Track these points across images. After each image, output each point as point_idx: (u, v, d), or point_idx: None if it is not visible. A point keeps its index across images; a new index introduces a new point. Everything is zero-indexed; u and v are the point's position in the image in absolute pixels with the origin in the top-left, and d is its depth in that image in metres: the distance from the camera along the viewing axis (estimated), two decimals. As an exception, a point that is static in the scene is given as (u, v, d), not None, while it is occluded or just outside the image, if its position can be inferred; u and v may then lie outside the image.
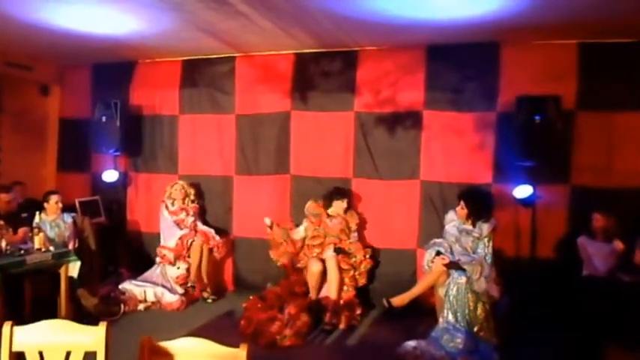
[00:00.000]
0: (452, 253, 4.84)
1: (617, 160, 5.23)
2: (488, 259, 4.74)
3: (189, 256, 6.02)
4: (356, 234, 5.67)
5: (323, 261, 5.43)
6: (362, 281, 5.57)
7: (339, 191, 5.74)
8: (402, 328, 4.99)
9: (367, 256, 5.58)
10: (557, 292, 4.96)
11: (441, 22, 4.85)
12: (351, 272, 5.47)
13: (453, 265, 4.69)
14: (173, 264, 6.00)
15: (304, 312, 5.09)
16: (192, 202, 6.32)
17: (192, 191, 6.34)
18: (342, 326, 5.15)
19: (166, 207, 6.24)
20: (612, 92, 5.18)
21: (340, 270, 5.38)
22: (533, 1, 4.24)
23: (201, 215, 6.44)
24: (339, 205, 5.68)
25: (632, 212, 4.89)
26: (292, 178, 6.23)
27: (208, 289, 5.99)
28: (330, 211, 5.71)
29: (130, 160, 6.91)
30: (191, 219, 6.19)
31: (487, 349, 4.39)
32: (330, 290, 5.34)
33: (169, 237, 6.13)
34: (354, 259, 5.53)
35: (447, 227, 5.05)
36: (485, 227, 4.82)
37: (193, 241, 6.03)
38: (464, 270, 4.63)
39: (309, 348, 4.75)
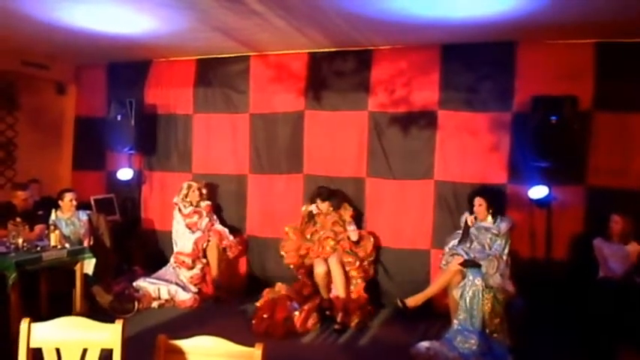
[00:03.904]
0: (467, 252, 4.81)
1: (633, 161, 5.16)
2: (504, 256, 4.73)
3: (204, 257, 6.04)
4: (354, 226, 5.64)
5: (327, 261, 5.42)
6: (372, 271, 5.65)
7: (321, 193, 5.73)
8: (415, 329, 5.00)
9: (373, 245, 5.66)
10: (572, 293, 4.92)
11: (456, 21, 4.83)
12: (358, 263, 5.47)
13: (469, 263, 4.67)
14: (191, 268, 6.00)
15: (316, 311, 5.14)
16: (205, 199, 6.29)
17: (204, 188, 6.32)
18: (353, 326, 5.14)
19: (179, 210, 6.24)
20: (629, 93, 5.11)
21: (343, 266, 5.39)
22: (549, 1, 4.20)
23: (217, 213, 6.43)
24: (323, 207, 5.70)
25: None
26: (305, 177, 6.23)
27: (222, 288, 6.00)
28: (318, 209, 5.73)
29: (145, 158, 6.96)
30: (206, 220, 6.18)
31: (501, 350, 4.37)
32: (337, 289, 5.34)
33: (184, 242, 6.12)
34: (361, 248, 5.57)
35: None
36: (503, 225, 4.84)
37: (208, 242, 6.05)
38: (479, 266, 4.60)
39: (322, 348, 4.75)
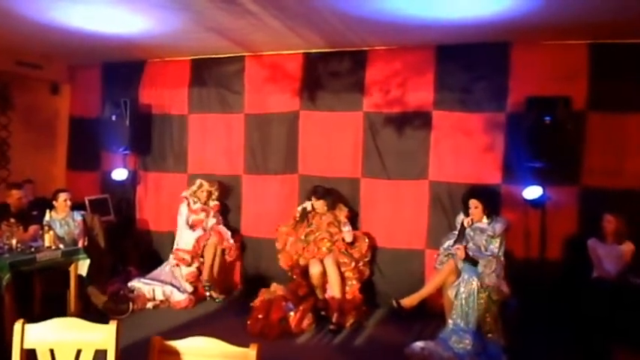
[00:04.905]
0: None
1: (627, 162, 5.19)
2: (501, 256, 4.74)
3: (201, 256, 6.03)
4: (349, 227, 5.62)
5: (322, 261, 5.43)
6: (367, 272, 5.67)
7: (316, 191, 5.75)
8: (410, 329, 5.00)
9: (368, 245, 5.67)
10: (566, 293, 4.94)
11: (450, 22, 4.84)
12: (353, 264, 5.48)
13: (469, 259, 4.68)
14: (190, 265, 5.99)
15: (311, 312, 5.14)
16: (213, 200, 6.29)
17: (215, 190, 6.32)
18: (348, 326, 5.16)
19: (188, 204, 6.22)
20: (623, 93, 5.14)
21: (339, 266, 5.40)
22: (543, 1, 4.21)
23: (222, 214, 6.41)
24: (318, 205, 5.70)
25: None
26: (300, 177, 6.23)
27: (217, 289, 5.99)
28: (315, 207, 5.73)
29: (140, 158, 6.95)
30: (213, 220, 6.16)
31: (495, 350, 4.38)
32: (333, 290, 5.36)
33: (184, 239, 6.10)
34: (356, 249, 5.59)
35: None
36: (498, 226, 4.82)
37: (207, 240, 6.04)
38: (477, 265, 4.62)
39: (317, 348, 4.76)
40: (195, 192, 6.24)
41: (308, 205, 5.74)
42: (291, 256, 5.72)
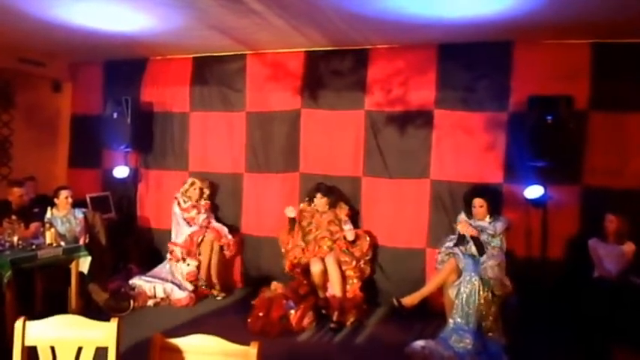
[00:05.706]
0: (464, 253, 4.82)
1: (629, 161, 5.18)
2: (503, 255, 4.74)
3: (199, 254, 6.03)
4: (350, 225, 5.60)
5: (324, 260, 5.43)
6: (368, 271, 5.64)
7: (319, 188, 5.74)
8: (411, 328, 5.00)
9: (369, 244, 5.65)
10: (567, 293, 4.93)
11: (453, 21, 4.83)
12: (354, 263, 5.47)
13: (477, 240, 4.69)
14: (182, 261, 5.99)
15: (312, 310, 5.15)
16: (205, 199, 6.33)
17: (207, 188, 6.36)
18: (348, 324, 5.16)
19: (178, 203, 6.25)
20: (625, 93, 5.13)
21: (340, 265, 5.40)
22: (546, 0, 4.20)
23: (214, 212, 6.45)
24: (320, 202, 5.69)
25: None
26: (301, 176, 6.23)
27: (217, 287, 6.00)
28: (315, 206, 5.72)
29: (141, 156, 6.95)
30: (203, 216, 6.19)
31: (496, 349, 4.38)
32: (333, 288, 5.36)
33: (179, 233, 6.15)
34: (357, 248, 5.57)
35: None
36: (499, 225, 4.83)
37: (203, 237, 6.04)
38: (483, 252, 4.63)
39: (317, 346, 4.76)
40: (187, 190, 6.27)
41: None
42: (290, 262, 5.71)
